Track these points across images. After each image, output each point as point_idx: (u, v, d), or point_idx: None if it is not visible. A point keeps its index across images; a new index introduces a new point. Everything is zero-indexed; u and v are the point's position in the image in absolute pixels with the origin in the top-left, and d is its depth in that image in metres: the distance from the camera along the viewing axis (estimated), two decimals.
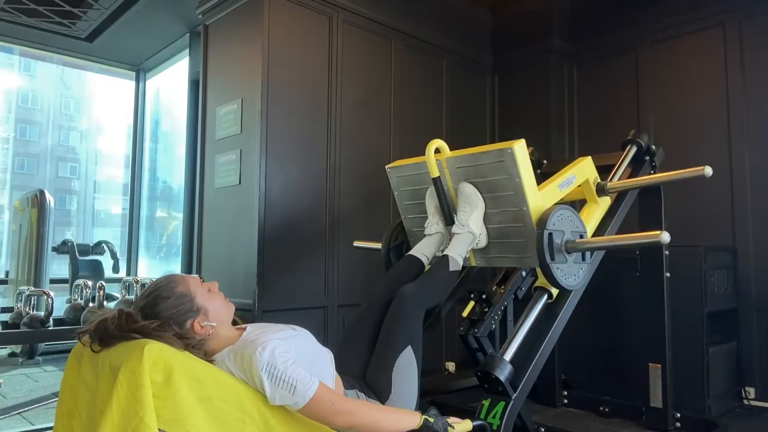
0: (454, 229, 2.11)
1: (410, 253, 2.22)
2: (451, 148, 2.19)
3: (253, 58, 3.06)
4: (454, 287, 2.18)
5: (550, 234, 1.93)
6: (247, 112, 3.10)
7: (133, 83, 5.68)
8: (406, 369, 1.77)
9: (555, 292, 2.15)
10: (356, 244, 2.82)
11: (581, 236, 2.03)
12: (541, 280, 2.14)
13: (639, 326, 2.78)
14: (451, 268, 2.02)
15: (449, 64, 4.02)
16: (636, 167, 2.54)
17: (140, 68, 5.61)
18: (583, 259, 2.06)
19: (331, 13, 3.34)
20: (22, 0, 4.17)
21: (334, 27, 3.34)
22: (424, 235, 2.24)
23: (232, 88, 3.24)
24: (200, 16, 3.53)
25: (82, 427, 1.37)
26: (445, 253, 2.07)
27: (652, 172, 2.57)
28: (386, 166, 2.43)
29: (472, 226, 2.09)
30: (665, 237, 1.79)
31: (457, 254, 2.06)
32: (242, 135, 3.11)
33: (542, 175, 2.89)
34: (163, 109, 6.10)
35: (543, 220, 1.94)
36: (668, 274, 2.57)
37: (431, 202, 2.24)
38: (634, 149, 2.53)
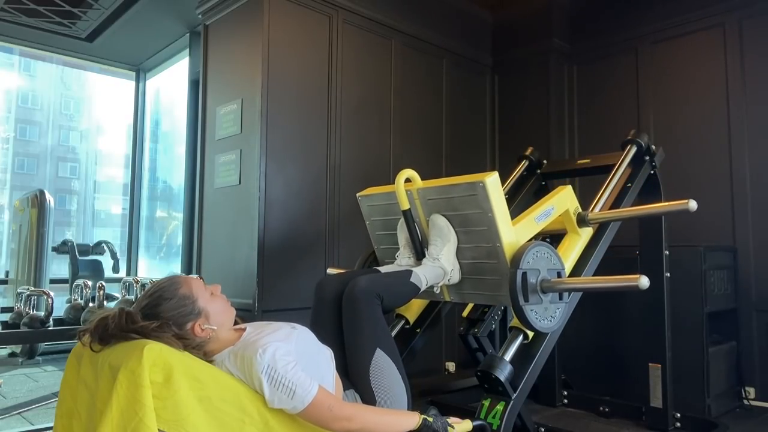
0: (425, 262, 2.00)
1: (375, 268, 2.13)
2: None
3: (253, 58, 3.06)
4: (410, 299, 2.01)
5: (524, 273, 1.81)
6: (247, 112, 3.10)
7: (133, 83, 5.68)
8: (383, 373, 1.70)
9: (531, 333, 2.05)
10: (330, 271, 2.59)
11: (559, 274, 1.90)
12: (516, 321, 2.00)
13: (639, 326, 2.78)
14: (412, 279, 1.91)
15: (449, 64, 4.02)
16: (636, 167, 2.53)
17: (140, 68, 5.61)
18: (561, 298, 1.93)
19: (331, 13, 3.34)
20: (22, 0, 4.17)
21: (334, 27, 3.34)
22: None
23: (232, 88, 3.24)
24: (200, 16, 3.53)
25: (82, 427, 1.37)
26: (412, 268, 1.96)
27: (652, 172, 2.56)
28: (357, 195, 2.33)
29: (443, 261, 1.97)
30: (643, 281, 1.68)
31: (423, 275, 1.93)
32: (242, 135, 3.11)
33: (543, 175, 2.91)
34: (163, 109, 6.10)
35: (517, 259, 1.82)
36: (668, 274, 2.57)
37: (402, 235, 2.13)
38: (634, 149, 2.52)
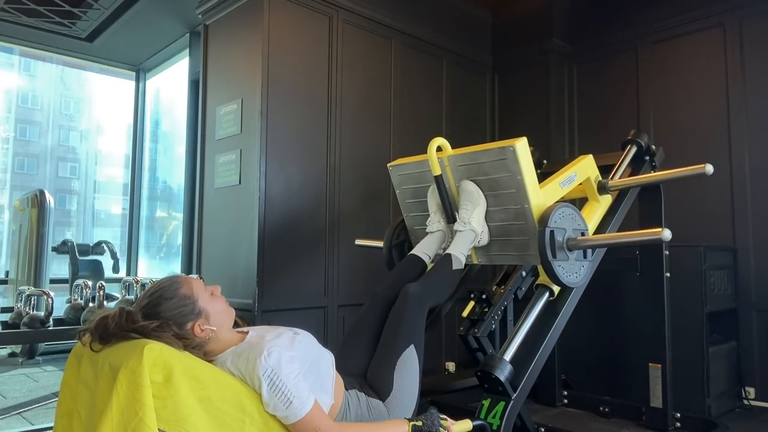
0: (456, 226, 2.12)
1: (412, 252, 2.22)
2: (452, 148, 2.19)
3: (253, 58, 3.06)
4: (457, 285, 2.19)
5: (552, 231, 1.93)
6: (247, 112, 3.10)
7: (133, 83, 5.69)
8: (408, 367, 1.77)
9: (557, 289, 2.16)
10: (358, 242, 2.83)
11: (583, 234, 2.03)
12: (543, 278, 2.14)
13: (639, 326, 2.78)
14: (454, 266, 2.03)
15: (449, 64, 4.02)
16: (636, 167, 2.54)
17: (140, 68, 5.61)
18: (585, 256, 2.07)
19: (331, 13, 3.34)
20: (22, 0, 4.17)
21: (334, 27, 3.34)
22: (426, 233, 2.25)
23: (232, 88, 3.24)
24: (200, 16, 3.53)
25: (82, 427, 1.37)
26: (447, 251, 2.07)
27: (652, 171, 2.56)
28: (388, 165, 2.44)
29: (474, 224, 2.09)
30: (666, 234, 1.81)
31: (460, 252, 2.06)
32: (242, 135, 3.11)
33: (542, 175, 2.90)
34: (163, 109, 6.10)
35: (545, 218, 1.94)
36: (668, 274, 2.57)
37: (433, 200, 2.25)
38: (634, 149, 2.53)
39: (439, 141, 2.13)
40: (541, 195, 2.04)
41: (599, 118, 3.87)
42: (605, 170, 2.51)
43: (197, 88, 3.65)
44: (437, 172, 2.13)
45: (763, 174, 3.15)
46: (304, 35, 3.22)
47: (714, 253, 2.96)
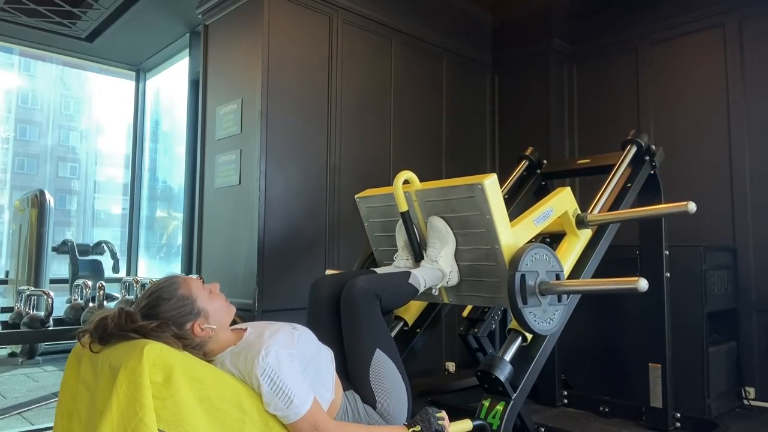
0: (423, 263, 1.99)
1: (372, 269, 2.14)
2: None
3: (253, 58, 3.06)
4: (408, 300, 2.01)
5: (523, 276, 1.81)
6: (247, 112, 3.10)
7: (133, 83, 5.68)
8: (383, 373, 1.68)
9: (530, 336, 2.05)
10: (328, 272, 2.54)
11: (557, 276, 1.90)
12: (514, 323, 2.00)
13: (639, 326, 2.78)
14: (410, 280, 1.90)
15: (449, 64, 4.02)
16: (636, 167, 2.53)
17: (140, 68, 5.61)
18: (559, 300, 1.93)
19: (331, 13, 3.34)
20: (22, 0, 4.17)
21: (334, 27, 3.34)
22: None
23: (232, 88, 3.24)
24: (200, 16, 3.53)
25: (82, 427, 1.37)
26: (412, 270, 1.95)
27: (652, 172, 2.56)
28: (355, 196, 2.32)
29: (441, 263, 1.96)
30: (642, 284, 1.67)
31: (421, 276, 1.92)
32: (242, 135, 3.11)
33: (542, 175, 2.91)
34: (163, 109, 6.09)
35: (515, 261, 1.82)
36: (668, 274, 2.57)
37: (400, 236, 2.12)
38: (633, 149, 2.52)
39: (406, 174, 2.00)
40: (511, 235, 1.92)
41: (599, 118, 3.87)
42: (605, 170, 2.51)
43: (197, 88, 3.65)
44: (404, 208, 2.01)
45: (763, 174, 3.15)
46: (304, 35, 3.22)
47: (714, 253, 2.96)
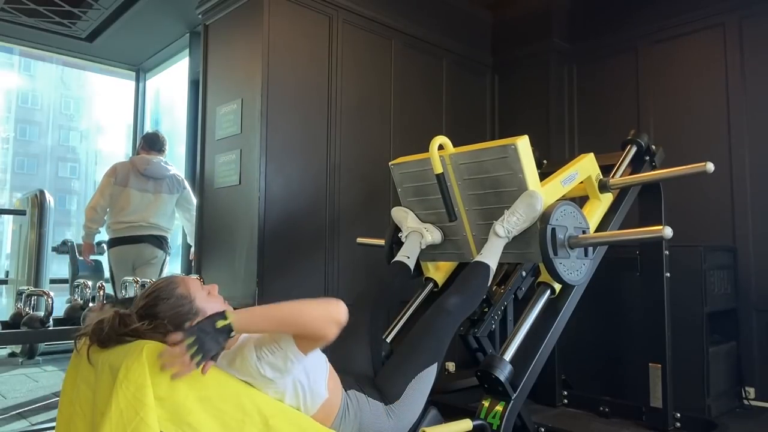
0: (497, 230, 2.04)
1: (395, 259, 2.29)
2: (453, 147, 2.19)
3: (253, 58, 3.06)
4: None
5: (553, 229, 1.95)
6: (247, 112, 3.10)
7: (133, 83, 5.69)
8: (425, 382, 1.74)
9: (558, 287, 2.16)
10: (359, 240, 2.86)
11: (584, 232, 2.04)
12: (544, 276, 2.14)
13: (639, 326, 2.78)
14: (490, 276, 2.01)
15: (449, 64, 4.02)
16: (636, 167, 2.54)
17: (140, 68, 5.61)
18: (586, 254, 2.08)
19: (331, 13, 3.34)
20: (22, 0, 4.17)
21: (334, 27, 3.34)
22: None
23: (232, 88, 3.24)
24: (200, 16, 3.53)
25: (85, 427, 1.36)
26: (484, 261, 2.02)
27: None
28: (390, 163, 2.45)
29: (513, 235, 2.03)
30: (667, 232, 1.81)
31: (494, 262, 2.03)
32: (242, 135, 3.11)
33: (542, 174, 2.90)
34: (163, 109, 6.09)
35: (546, 216, 1.95)
36: (668, 274, 2.57)
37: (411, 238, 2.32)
38: (634, 149, 2.53)
39: (441, 139, 2.13)
40: (542, 193, 2.04)
41: (599, 118, 3.87)
42: (606, 170, 2.51)
43: (197, 88, 3.64)
44: (439, 170, 2.13)
45: (763, 174, 3.15)
46: (304, 35, 3.22)
47: (714, 253, 2.95)
